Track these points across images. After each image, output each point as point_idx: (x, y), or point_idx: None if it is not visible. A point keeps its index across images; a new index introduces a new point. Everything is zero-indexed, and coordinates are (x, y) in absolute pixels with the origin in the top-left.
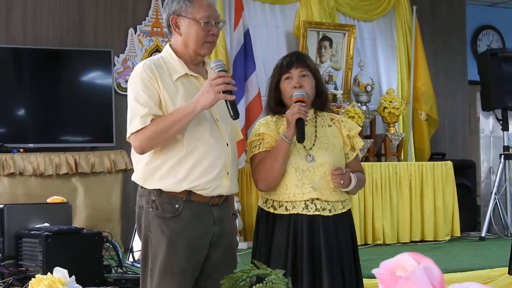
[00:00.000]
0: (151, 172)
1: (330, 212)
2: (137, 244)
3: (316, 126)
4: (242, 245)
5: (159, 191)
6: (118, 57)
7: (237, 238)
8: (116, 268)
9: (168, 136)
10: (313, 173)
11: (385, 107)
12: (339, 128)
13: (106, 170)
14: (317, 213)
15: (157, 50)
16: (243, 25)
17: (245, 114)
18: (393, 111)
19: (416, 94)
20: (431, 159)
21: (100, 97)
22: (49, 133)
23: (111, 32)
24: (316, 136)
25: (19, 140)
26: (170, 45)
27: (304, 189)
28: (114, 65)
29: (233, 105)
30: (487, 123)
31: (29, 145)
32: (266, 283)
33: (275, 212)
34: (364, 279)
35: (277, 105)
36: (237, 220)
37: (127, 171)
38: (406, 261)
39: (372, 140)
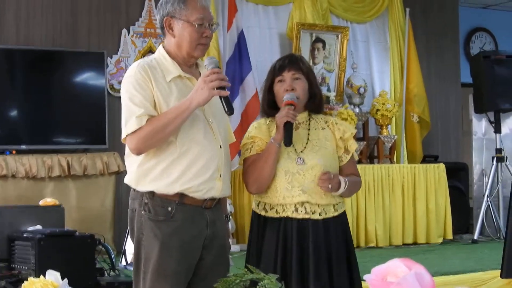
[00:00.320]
0: (144, 174)
1: (320, 215)
2: (129, 247)
3: (309, 129)
4: (234, 247)
5: (152, 193)
6: (111, 58)
7: (230, 240)
8: (108, 271)
9: (164, 135)
10: (303, 176)
11: (378, 109)
12: (333, 131)
13: (98, 172)
14: (306, 216)
15: (150, 51)
16: (237, 26)
17: (242, 114)
18: (386, 113)
19: (408, 96)
20: (424, 161)
21: (93, 98)
22: (41, 135)
23: (104, 33)
24: (308, 139)
25: (11, 142)
26: (163, 47)
27: (293, 192)
28: (107, 66)
29: (227, 101)
30: (480, 126)
31: (22, 146)
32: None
33: (266, 214)
34: None
35: (270, 108)
36: (229, 223)
37: (120, 173)
38: (397, 267)
39: (365, 142)
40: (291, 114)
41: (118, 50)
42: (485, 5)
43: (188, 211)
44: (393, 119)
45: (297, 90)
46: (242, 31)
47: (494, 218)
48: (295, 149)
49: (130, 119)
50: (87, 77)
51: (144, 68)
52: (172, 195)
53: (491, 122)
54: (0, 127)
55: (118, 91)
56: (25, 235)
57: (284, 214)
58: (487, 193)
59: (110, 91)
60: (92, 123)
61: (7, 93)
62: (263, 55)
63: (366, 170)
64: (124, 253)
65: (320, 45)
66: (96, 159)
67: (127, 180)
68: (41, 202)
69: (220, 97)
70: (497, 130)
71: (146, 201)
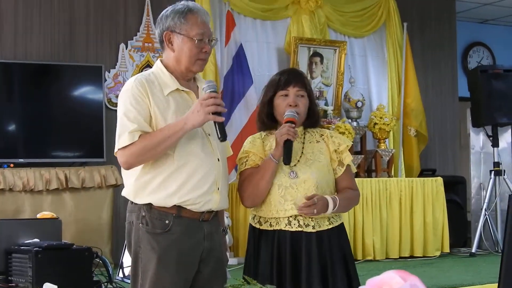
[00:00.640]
0: (142, 186)
1: (314, 228)
2: (127, 259)
3: (303, 143)
4: (232, 260)
5: (149, 206)
6: (109, 72)
7: (227, 254)
8: (106, 283)
9: (156, 153)
10: (296, 189)
11: (375, 123)
12: (327, 144)
13: (96, 185)
14: (299, 229)
15: (148, 65)
16: (235, 41)
17: (245, 127)
18: (383, 127)
19: (405, 110)
20: (422, 175)
21: (90, 112)
22: (39, 148)
23: (102, 47)
24: (302, 152)
25: (9, 155)
26: (161, 61)
27: (286, 205)
28: (105, 80)
29: (221, 127)
30: (478, 139)
31: (19, 160)
32: None
33: (261, 227)
34: None
35: (269, 120)
36: (227, 236)
37: (118, 186)
38: (392, 278)
39: (362, 156)
40: (292, 132)
41: (116, 64)
42: (483, 20)
43: (185, 224)
44: (391, 133)
45: (300, 106)
46: (241, 45)
47: (492, 231)
48: (282, 160)
49: (123, 134)
50: (85, 91)
51: (141, 82)
52: (169, 207)
53: (488, 136)
54: None
55: (116, 105)
56: (22, 248)
57: (277, 227)
58: (485, 206)
59: (108, 105)
60: (90, 136)
61: (5, 106)
62: (261, 70)
63: (364, 184)
64: (121, 266)
65: (318, 59)
66: (94, 172)
67: (124, 193)
68: (38, 215)
69: (215, 122)
70: (495, 144)
71: (143, 213)
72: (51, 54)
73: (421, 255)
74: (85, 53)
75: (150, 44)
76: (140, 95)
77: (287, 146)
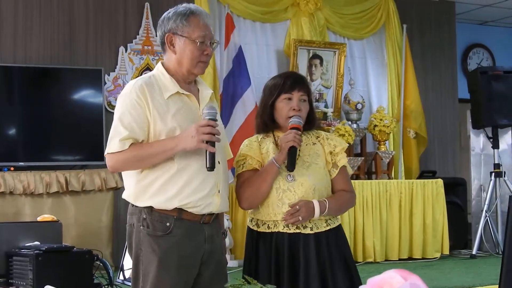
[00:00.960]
0: (142, 189)
1: (311, 230)
2: (127, 262)
3: (300, 145)
4: (232, 263)
5: (150, 209)
6: (109, 75)
7: (227, 256)
8: (106, 286)
9: (143, 165)
10: (294, 192)
11: (375, 125)
12: (323, 145)
13: (96, 188)
14: (297, 231)
15: (148, 68)
16: (235, 43)
17: (241, 127)
18: (383, 129)
19: (405, 112)
20: (422, 177)
21: (90, 115)
22: (39, 152)
23: (102, 50)
24: (299, 155)
25: (9, 159)
26: (162, 64)
27: (284, 208)
28: (105, 83)
29: (211, 157)
30: (478, 141)
31: (20, 163)
32: None
33: (258, 230)
34: None
35: (271, 122)
36: (227, 238)
37: (118, 189)
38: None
39: (362, 158)
40: (297, 139)
41: (115, 67)
42: (483, 21)
43: (186, 227)
44: (391, 134)
45: (302, 111)
46: (240, 47)
47: (492, 233)
48: (285, 165)
49: (114, 139)
50: (84, 94)
51: (141, 87)
52: (170, 210)
53: (489, 138)
54: None
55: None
56: (23, 251)
57: (275, 229)
58: (485, 208)
59: (108, 108)
60: (90, 139)
61: (5, 110)
62: (261, 72)
63: (364, 186)
64: (122, 269)
65: (317, 61)
66: (94, 175)
67: (125, 195)
68: (39, 218)
69: (206, 151)
70: (495, 145)
71: (144, 216)
72: (50, 57)
73: (422, 257)
74: (85, 56)
75: (149, 47)
76: (138, 101)
77: (292, 153)
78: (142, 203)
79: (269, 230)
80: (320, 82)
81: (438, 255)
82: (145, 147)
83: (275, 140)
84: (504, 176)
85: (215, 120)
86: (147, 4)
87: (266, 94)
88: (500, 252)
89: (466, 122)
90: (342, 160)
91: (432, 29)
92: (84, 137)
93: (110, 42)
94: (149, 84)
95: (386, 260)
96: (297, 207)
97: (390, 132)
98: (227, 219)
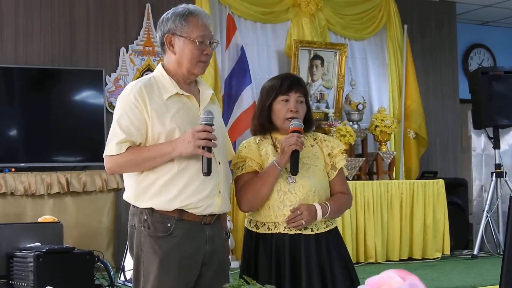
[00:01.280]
0: (143, 191)
1: (312, 230)
2: (128, 263)
3: (302, 149)
4: (233, 264)
5: (151, 210)
6: (110, 76)
7: (230, 257)
8: (107, 287)
9: (139, 169)
10: (294, 194)
11: (376, 126)
12: (321, 147)
13: (97, 189)
14: (298, 232)
15: (149, 69)
16: (236, 44)
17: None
18: (384, 129)
19: (405, 112)
20: (423, 177)
21: (91, 116)
22: (40, 153)
23: (103, 51)
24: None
25: (10, 160)
26: (163, 65)
27: (285, 210)
28: (106, 84)
29: (208, 162)
30: (479, 141)
31: (21, 164)
32: None
33: (258, 231)
34: None
35: (269, 124)
36: (229, 240)
37: (119, 190)
38: (391, 278)
39: (363, 158)
40: (299, 143)
41: (116, 68)
42: (483, 22)
43: (187, 227)
44: (392, 135)
45: (300, 113)
46: (242, 47)
47: (493, 233)
48: (286, 168)
49: (111, 142)
50: (85, 95)
51: (139, 89)
52: (171, 211)
53: (490, 138)
54: None
55: None
56: (23, 252)
57: (276, 231)
58: (486, 208)
59: (109, 109)
60: (91, 140)
61: (6, 111)
62: (261, 73)
63: (365, 186)
64: (123, 270)
65: (318, 62)
66: (95, 176)
67: (126, 196)
68: (39, 219)
69: (202, 156)
70: (496, 146)
71: (145, 217)
72: (51, 58)
73: (423, 258)
74: (86, 57)
75: (150, 48)
76: (135, 103)
77: (295, 157)
78: (142, 204)
79: (269, 232)
80: (321, 82)
81: (439, 255)
82: (142, 151)
83: (273, 142)
84: (505, 177)
85: (212, 125)
86: (148, 5)
87: (263, 96)
88: (501, 252)
89: (467, 123)
90: (341, 161)
91: (433, 30)
92: (85, 138)
93: (111, 43)
94: (148, 86)
95: (387, 261)
96: (299, 211)
97: (391, 133)
98: (229, 220)
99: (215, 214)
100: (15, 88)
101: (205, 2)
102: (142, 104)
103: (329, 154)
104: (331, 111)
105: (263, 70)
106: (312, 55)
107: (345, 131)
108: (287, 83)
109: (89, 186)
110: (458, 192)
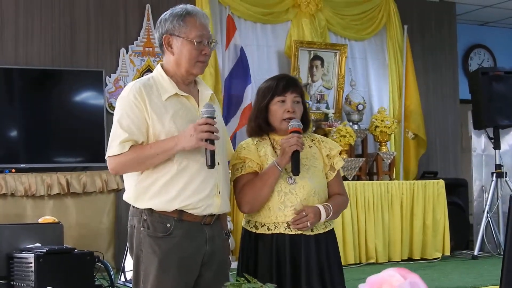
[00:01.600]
0: (143, 191)
1: (312, 231)
2: (129, 263)
3: (302, 149)
4: (233, 264)
5: (151, 210)
6: (110, 77)
7: (230, 257)
8: None
9: (143, 166)
10: (296, 195)
11: (376, 126)
12: (319, 148)
13: (98, 190)
14: (299, 232)
15: (149, 70)
16: (236, 44)
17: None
18: (384, 130)
19: (405, 112)
20: (423, 177)
21: (91, 117)
22: (40, 153)
23: (103, 52)
24: None
25: (10, 161)
26: (162, 65)
27: (286, 211)
28: (106, 85)
29: (211, 155)
30: (479, 142)
31: (21, 165)
32: None
33: (257, 231)
34: None
35: (266, 125)
36: (230, 240)
37: (119, 191)
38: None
39: (363, 159)
40: (300, 143)
41: (116, 69)
42: (484, 22)
43: (187, 228)
44: (392, 135)
45: (297, 113)
46: (242, 48)
47: (494, 234)
48: (285, 169)
49: (114, 142)
50: (86, 96)
51: (138, 89)
52: (171, 211)
53: (490, 138)
54: None
55: None
56: (24, 252)
57: (276, 231)
58: (487, 209)
59: (109, 110)
60: (91, 141)
61: (6, 112)
62: (261, 73)
63: (365, 187)
64: (123, 270)
65: (318, 62)
66: (95, 177)
67: (125, 197)
68: (40, 220)
69: (206, 149)
70: (496, 146)
71: (145, 217)
72: (52, 59)
73: (423, 258)
74: (86, 58)
75: (150, 49)
76: (136, 103)
77: (296, 157)
78: (142, 204)
79: (269, 232)
80: (321, 83)
81: (439, 255)
82: (144, 149)
83: (271, 143)
84: (506, 177)
85: (214, 118)
86: (148, 6)
87: (260, 97)
88: (502, 253)
89: (467, 123)
90: (339, 162)
91: (433, 30)
92: (85, 139)
93: (111, 44)
94: (147, 86)
95: (388, 261)
96: (304, 213)
97: (391, 133)
98: (229, 221)
99: (214, 215)
100: (15, 88)
101: (205, 3)
102: (142, 104)
103: (327, 155)
104: (331, 112)
105: (263, 70)
106: (312, 56)
107: (345, 132)
108: (283, 83)
109: (89, 187)
110: (458, 193)
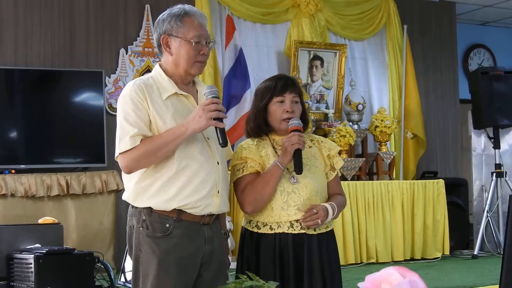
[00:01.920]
0: (142, 190)
1: (315, 230)
2: (129, 264)
3: (304, 147)
4: (233, 264)
5: (150, 210)
6: (109, 77)
7: (229, 257)
8: None
9: (157, 158)
10: (298, 194)
11: (376, 126)
12: (319, 149)
13: (97, 191)
14: (302, 231)
15: (148, 70)
16: (235, 44)
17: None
18: (384, 129)
19: (404, 112)
20: (423, 177)
21: (91, 117)
22: (40, 154)
23: (102, 53)
24: None
25: (10, 161)
26: (160, 65)
27: (289, 211)
28: (105, 85)
29: (222, 133)
30: (479, 141)
31: (21, 166)
32: None
33: (259, 231)
34: None
35: (265, 125)
36: (229, 240)
37: (119, 192)
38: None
39: (363, 158)
40: (301, 141)
41: (116, 70)
42: (484, 22)
43: (185, 228)
44: (392, 135)
45: (296, 113)
46: (241, 49)
47: (494, 233)
48: (287, 168)
49: (124, 138)
50: (85, 97)
51: (139, 87)
52: (169, 211)
53: (490, 138)
54: None
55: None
56: (24, 253)
57: (279, 230)
58: (487, 208)
59: (109, 110)
60: (91, 142)
61: (6, 113)
62: (261, 74)
63: (365, 187)
64: (123, 271)
65: (318, 62)
66: (95, 178)
67: (125, 196)
68: (40, 221)
69: (216, 128)
70: (496, 146)
71: (144, 217)
72: (51, 59)
73: (423, 257)
74: (86, 59)
75: (150, 49)
76: (138, 100)
77: (298, 156)
78: (141, 204)
79: (272, 231)
80: (321, 83)
81: (439, 255)
82: (155, 140)
83: (272, 143)
84: (506, 176)
85: (218, 97)
86: (147, 6)
87: (258, 98)
88: (502, 252)
89: (467, 123)
90: (339, 162)
91: (433, 30)
92: (85, 140)
93: (110, 44)
94: (147, 85)
95: (388, 261)
96: (314, 210)
97: (391, 133)
98: (229, 221)
99: (213, 215)
100: (15, 89)
101: (204, 3)
102: (144, 100)
103: (328, 155)
104: (331, 112)
105: (263, 70)
106: (312, 56)
107: (345, 132)
108: (281, 84)
109: (89, 188)
110: (458, 192)
